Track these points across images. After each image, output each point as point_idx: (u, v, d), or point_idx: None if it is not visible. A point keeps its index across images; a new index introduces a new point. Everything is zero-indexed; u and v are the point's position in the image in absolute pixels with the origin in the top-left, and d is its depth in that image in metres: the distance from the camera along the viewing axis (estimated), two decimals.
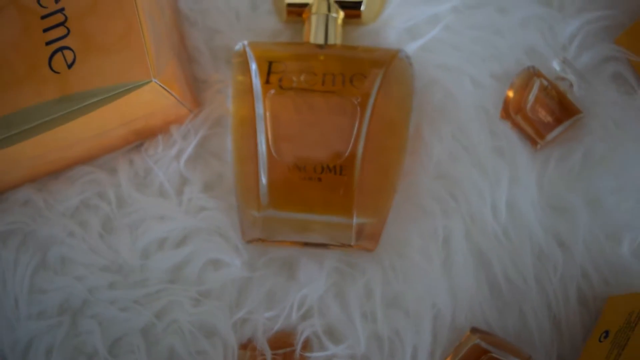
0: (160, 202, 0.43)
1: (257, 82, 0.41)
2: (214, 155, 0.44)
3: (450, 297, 0.41)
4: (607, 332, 0.38)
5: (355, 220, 0.39)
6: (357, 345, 0.41)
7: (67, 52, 0.39)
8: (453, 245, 0.42)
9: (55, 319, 0.42)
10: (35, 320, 0.42)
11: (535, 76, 0.43)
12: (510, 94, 0.43)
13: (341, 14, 0.44)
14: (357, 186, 0.39)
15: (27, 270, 0.43)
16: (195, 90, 0.46)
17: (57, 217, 0.44)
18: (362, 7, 0.44)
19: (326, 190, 0.39)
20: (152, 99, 0.40)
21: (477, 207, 0.42)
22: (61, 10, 0.39)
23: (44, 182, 0.45)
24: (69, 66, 0.38)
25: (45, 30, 0.39)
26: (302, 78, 0.40)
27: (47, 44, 0.39)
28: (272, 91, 0.40)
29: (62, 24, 0.39)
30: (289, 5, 0.44)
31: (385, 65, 0.41)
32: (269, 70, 0.41)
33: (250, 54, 0.42)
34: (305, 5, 0.44)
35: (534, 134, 0.43)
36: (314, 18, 0.43)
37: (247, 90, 0.41)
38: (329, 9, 0.43)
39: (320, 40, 0.43)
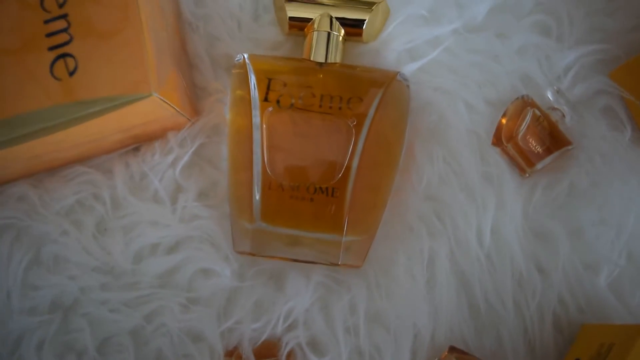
0: (154, 208, 0.44)
1: (255, 96, 0.42)
2: (210, 163, 0.45)
3: (431, 316, 0.43)
4: None
5: (344, 238, 0.41)
6: (339, 358, 0.42)
7: (69, 60, 0.39)
8: (437, 266, 0.43)
9: (47, 315, 0.44)
10: (27, 315, 0.43)
11: (528, 106, 0.44)
12: (503, 121, 0.44)
13: (342, 31, 0.44)
14: (348, 207, 0.40)
15: (20, 265, 0.44)
16: (194, 97, 0.46)
17: (51, 215, 0.45)
18: (364, 26, 0.44)
19: (317, 209, 0.40)
20: (152, 110, 0.40)
21: (462, 231, 0.44)
22: (64, 16, 0.40)
23: (40, 179, 0.46)
24: (70, 74, 0.39)
25: (48, 35, 0.39)
26: (300, 99, 0.41)
27: (50, 49, 0.39)
28: (270, 109, 0.41)
29: (65, 30, 0.39)
30: (291, 18, 0.44)
31: (384, 87, 0.42)
32: (267, 88, 0.41)
33: (250, 67, 0.42)
34: (307, 20, 0.44)
35: (524, 162, 0.44)
36: (315, 34, 0.44)
37: (245, 105, 0.42)
38: (330, 27, 0.44)
39: (321, 58, 0.43)
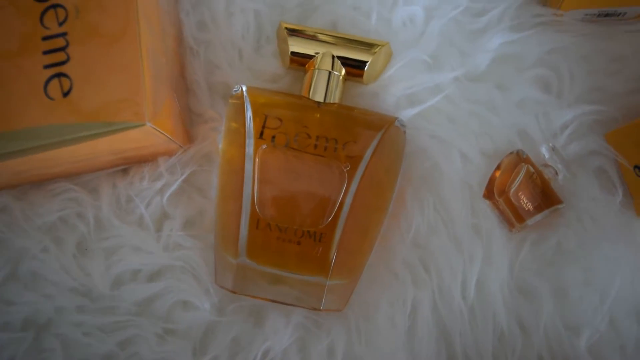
0: (138, 233, 0.43)
1: (250, 130, 0.41)
2: (199, 191, 0.45)
3: None
4: None
5: (329, 282, 0.40)
6: None
7: (64, 80, 0.38)
8: (419, 315, 0.43)
9: (19, 333, 0.43)
10: None
11: (523, 161, 0.44)
12: (497, 174, 0.44)
13: (343, 71, 0.44)
14: (335, 250, 0.40)
15: None
16: (188, 123, 0.45)
17: (33, 230, 0.44)
18: (366, 68, 0.44)
19: (304, 251, 0.40)
20: (144, 137, 0.39)
21: (447, 282, 0.43)
22: (63, 34, 0.39)
23: (24, 191, 0.45)
24: (65, 94, 0.38)
25: (45, 53, 0.39)
26: (295, 140, 0.40)
27: (45, 67, 0.38)
28: (264, 146, 0.41)
29: (62, 49, 0.39)
30: (293, 53, 0.44)
31: (382, 132, 0.41)
32: (264, 124, 0.41)
33: (247, 100, 0.42)
34: (309, 56, 0.44)
35: (514, 217, 0.44)
36: (316, 72, 0.43)
37: (239, 137, 0.41)
38: (332, 66, 0.43)
39: (319, 98, 0.43)
